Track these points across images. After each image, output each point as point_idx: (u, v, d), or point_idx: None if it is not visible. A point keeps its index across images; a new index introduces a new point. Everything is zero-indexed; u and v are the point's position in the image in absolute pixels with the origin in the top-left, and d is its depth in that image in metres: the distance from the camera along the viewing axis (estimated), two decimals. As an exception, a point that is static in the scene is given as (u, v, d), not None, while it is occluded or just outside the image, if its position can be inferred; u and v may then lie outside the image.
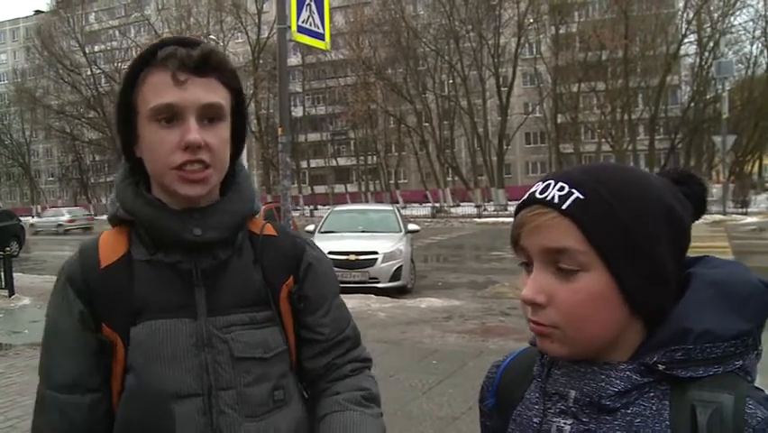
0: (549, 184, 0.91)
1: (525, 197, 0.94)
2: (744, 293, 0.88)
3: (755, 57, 46.46)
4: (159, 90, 1.24)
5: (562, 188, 0.89)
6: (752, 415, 0.81)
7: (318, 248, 1.51)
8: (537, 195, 0.91)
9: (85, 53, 57.00)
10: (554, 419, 0.95)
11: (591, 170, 0.93)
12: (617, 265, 0.86)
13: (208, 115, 1.27)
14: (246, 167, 1.52)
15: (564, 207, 0.88)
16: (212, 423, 1.29)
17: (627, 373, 0.89)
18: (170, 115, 1.25)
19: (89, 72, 57.25)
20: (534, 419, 0.98)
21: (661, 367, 0.87)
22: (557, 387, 0.95)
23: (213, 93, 1.27)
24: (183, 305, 1.31)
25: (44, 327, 1.36)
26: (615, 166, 0.96)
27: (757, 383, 0.88)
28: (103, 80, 57.17)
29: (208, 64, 1.26)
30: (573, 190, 0.88)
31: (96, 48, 59.65)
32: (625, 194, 0.88)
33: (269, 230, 1.45)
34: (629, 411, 0.88)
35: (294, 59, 51.02)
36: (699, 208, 0.97)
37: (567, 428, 0.93)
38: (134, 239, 1.35)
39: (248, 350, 1.33)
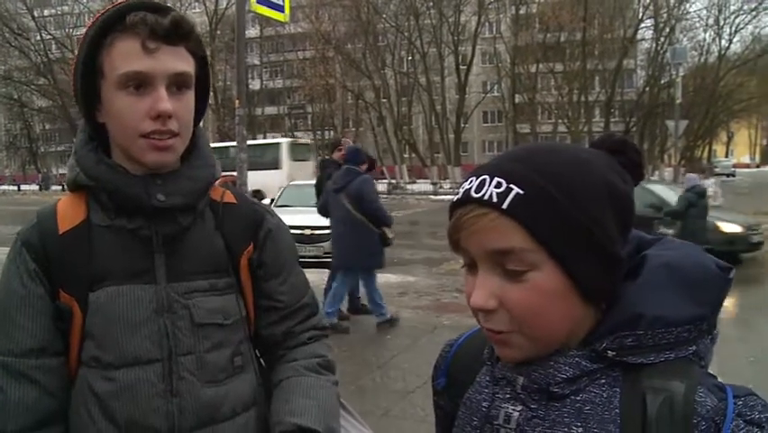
0: (484, 180, 0.84)
1: (461, 195, 0.87)
2: (698, 276, 0.85)
3: (708, 44, 47.41)
4: (128, 57, 1.23)
5: (499, 185, 0.83)
6: (701, 404, 0.78)
7: (277, 215, 1.52)
8: (473, 194, 0.84)
9: (33, 17, 54.68)
10: (503, 405, 0.91)
11: (525, 157, 0.86)
12: (567, 259, 0.82)
13: (177, 83, 1.27)
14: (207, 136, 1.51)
15: (505, 206, 0.81)
16: (171, 388, 1.29)
17: (577, 359, 0.85)
18: (139, 83, 1.24)
19: (39, 37, 55.23)
20: (483, 404, 0.94)
21: (610, 354, 0.83)
22: (505, 372, 0.91)
23: (182, 62, 1.28)
24: (143, 270, 1.31)
25: None
26: (549, 148, 0.89)
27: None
28: (53, 46, 55.26)
29: (178, 32, 1.26)
30: (512, 186, 0.82)
31: (46, 12, 57.50)
32: (565, 180, 0.83)
33: (229, 197, 1.45)
34: (579, 398, 0.85)
35: (252, 32, 50.25)
36: (638, 175, 0.93)
37: (515, 414, 0.89)
38: (93, 205, 1.33)
39: (208, 316, 1.33)
